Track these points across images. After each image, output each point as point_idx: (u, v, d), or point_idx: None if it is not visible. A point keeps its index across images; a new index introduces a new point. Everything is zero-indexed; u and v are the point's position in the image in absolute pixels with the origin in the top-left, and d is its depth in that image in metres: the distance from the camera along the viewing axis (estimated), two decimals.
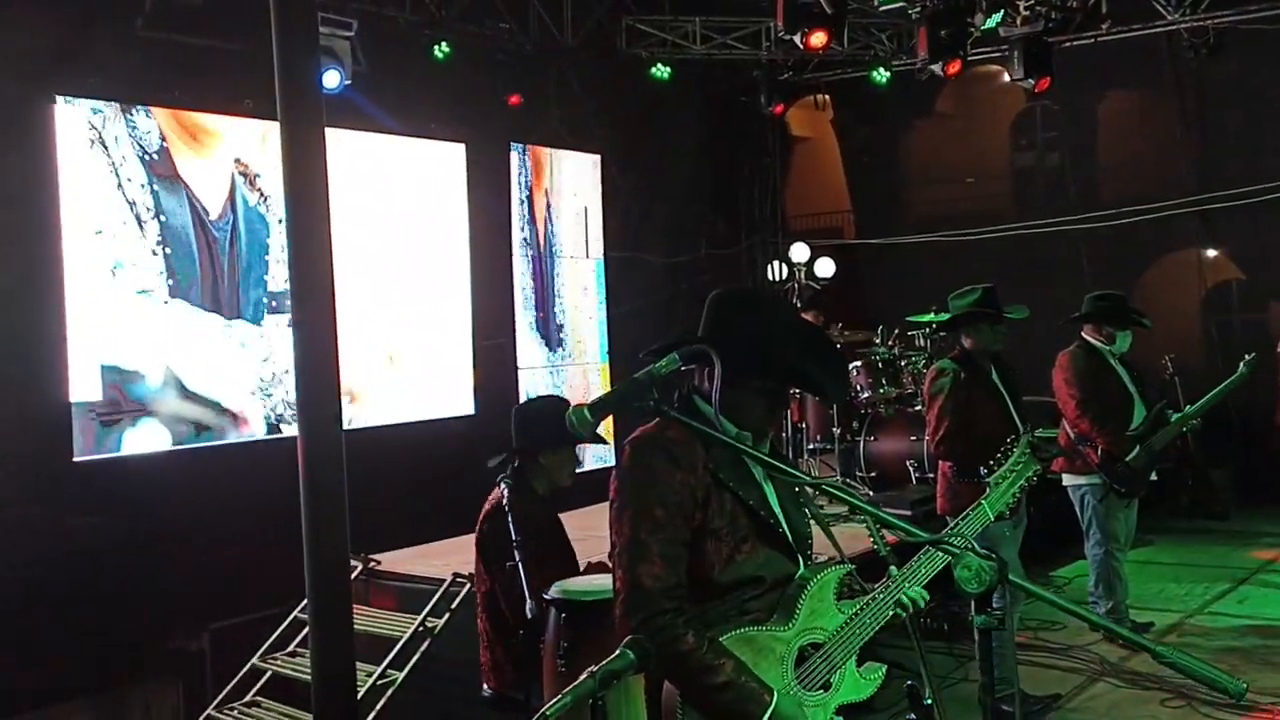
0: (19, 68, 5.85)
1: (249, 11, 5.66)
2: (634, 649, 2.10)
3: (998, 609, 2.15)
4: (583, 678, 2.03)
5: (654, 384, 2.25)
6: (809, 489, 2.78)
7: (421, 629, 5.39)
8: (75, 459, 6.07)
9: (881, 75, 9.38)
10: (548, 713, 1.94)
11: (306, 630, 5.11)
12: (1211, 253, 10.00)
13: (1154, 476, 5.82)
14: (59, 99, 6.06)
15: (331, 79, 6.54)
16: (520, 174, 8.69)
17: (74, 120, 6.11)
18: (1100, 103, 10.38)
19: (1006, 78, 10.22)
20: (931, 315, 8.25)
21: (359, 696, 4.81)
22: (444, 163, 8.06)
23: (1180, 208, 9.15)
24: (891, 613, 2.56)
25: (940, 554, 2.60)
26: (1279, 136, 9.00)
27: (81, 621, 5.71)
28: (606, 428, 8.71)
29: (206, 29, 6.46)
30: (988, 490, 3.03)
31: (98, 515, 5.99)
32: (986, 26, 7.32)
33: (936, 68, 7.70)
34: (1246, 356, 6.07)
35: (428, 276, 7.92)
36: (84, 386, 6.10)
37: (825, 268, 9.78)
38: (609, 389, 2.22)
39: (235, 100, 6.70)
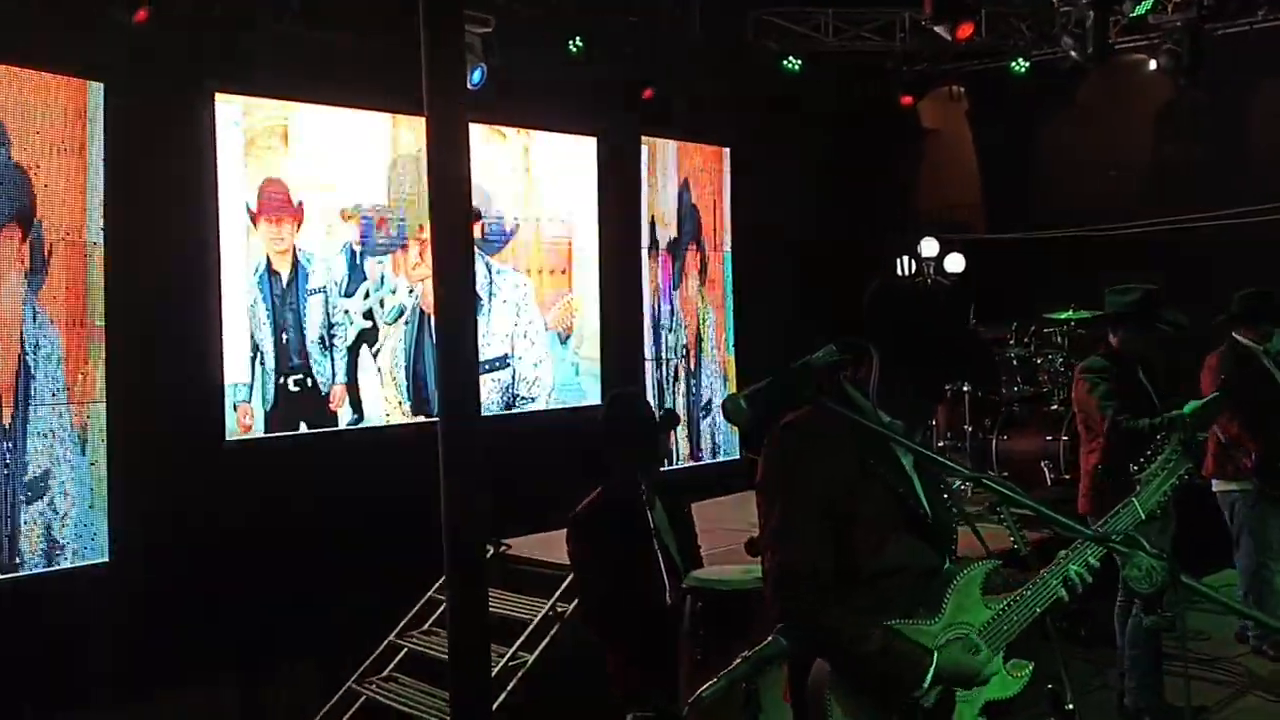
0: (180, 65, 6.14)
1: (394, 8, 5.86)
2: (786, 636, 2.13)
3: (1168, 611, 2.08)
4: (736, 663, 2.07)
5: (811, 374, 2.26)
6: (955, 484, 2.76)
7: (552, 613, 5.51)
8: (225, 440, 6.36)
9: (1021, 66, 9.14)
10: (703, 694, 1.98)
11: (442, 609, 5.28)
12: None
13: None
14: (217, 95, 6.35)
15: (473, 75, 6.70)
16: (650, 167, 8.75)
17: (230, 115, 6.40)
18: (1253, 93, 9.89)
19: (1153, 65, 9.86)
20: (1070, 313, 8.01)
21: (491, 675, 4.94)
22: (577, 156, 8.17)
23: None
24: (1040, 609, 2.52)
25: (1089, 552, 2.55)
26: None
27: (226, 597, 5.97)
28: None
29: (352, 25, 6.66)
30: (1138, 488, 2.93)
31: (244, 495, 6.26)
32: (1136, 14, 7.07)
33: (1077, 55, 7.49)
34: None
35: (559, 267, 8.05)
36: (236, 369, 6.38)
37: (955, 263, 9.57)
38: (765, 379, 2.23)
39: (380, 96, 6.91)
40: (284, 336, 6.63)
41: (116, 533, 5.94)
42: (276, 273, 6.63)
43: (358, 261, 6.96)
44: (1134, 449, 4.80)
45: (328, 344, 6.84)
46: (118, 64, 5.93)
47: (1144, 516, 2.85)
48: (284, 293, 6.65)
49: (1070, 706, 3.35)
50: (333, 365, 6.83)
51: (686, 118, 8.83)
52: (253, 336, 6.49)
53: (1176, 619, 2.05)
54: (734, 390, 9.12)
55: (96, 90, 5.90)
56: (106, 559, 5.92)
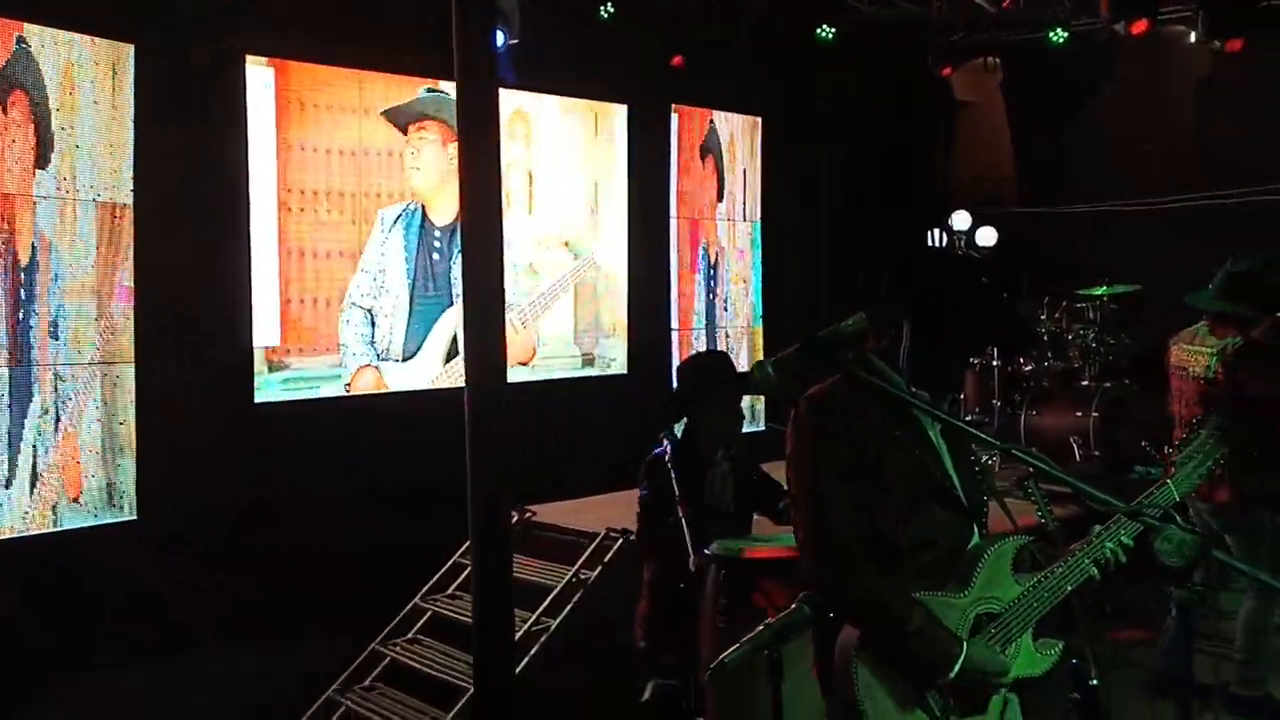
0: (210, 28, 6.13)
1: None
2: (810, 604, 2.12)
3: (1199, 584, 2.06)
4: (759, 629, 2.06)
5: (840, 342, 2.24)
6: (986, 459, 2.73)
7: (575, 580, 5.53)
8: (255, 402, 6.40)
9: (1059, 36, 8.97)
10: (726, 661, 1.97)
11: (467, 573, 5.31)
12: None
13: None
14: (248, 58, 6.34)
15: (498, 39, 6.64)
16: (681, 135, 8.69)
17: (260, 79, 6.39)
18: None
19: (1193, 37, 9.66)
20: (1104, 289, 7.92)
21: (514, 640, 4.97)
22: (606, 123, 8.12)
23: None
24: (1070, 586, 2.50)
25: (1123, 530, 2.52)
26: None
27: (251, 558, 6.02)
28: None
29: None
30: (1173, 470, 2.90)
31: (272, 457, 6.31)
32: None
33: (1119, 27, 7.34)
34: None
35: (587, 236, 8.02)
36: (265, 332, 6.41)
37: (987, 236, 9.48)
38: (793, 345, 2.21)
39: (404, 60, 6.87)
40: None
41: (144, 492, 6.00)
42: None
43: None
44: None
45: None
46: (148, 25, 5.93)
47: (1178, 498, 2.82)
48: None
49: (1095, 683, 3.33)
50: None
51: (718, 86, 8.75)
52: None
53: (1209, 595, 2.02)
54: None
55: (127, 51, 5.91)
56: (134, 517, 5.98)
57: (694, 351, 4.74)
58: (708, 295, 8.95)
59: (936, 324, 2.46)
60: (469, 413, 4.49)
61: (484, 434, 4.53)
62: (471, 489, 4.51)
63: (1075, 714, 3.33)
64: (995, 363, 7.67)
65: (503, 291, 4.72)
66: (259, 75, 6.39)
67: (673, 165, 8.61)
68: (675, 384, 4.21)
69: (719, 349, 8.35)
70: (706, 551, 3.63)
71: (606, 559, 5.55)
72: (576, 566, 5.58)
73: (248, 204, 6.34)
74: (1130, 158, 10.32)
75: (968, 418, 7.73)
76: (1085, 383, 7.61)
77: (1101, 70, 10.27)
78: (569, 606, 5.44)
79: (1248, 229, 8.82)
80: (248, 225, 6.34)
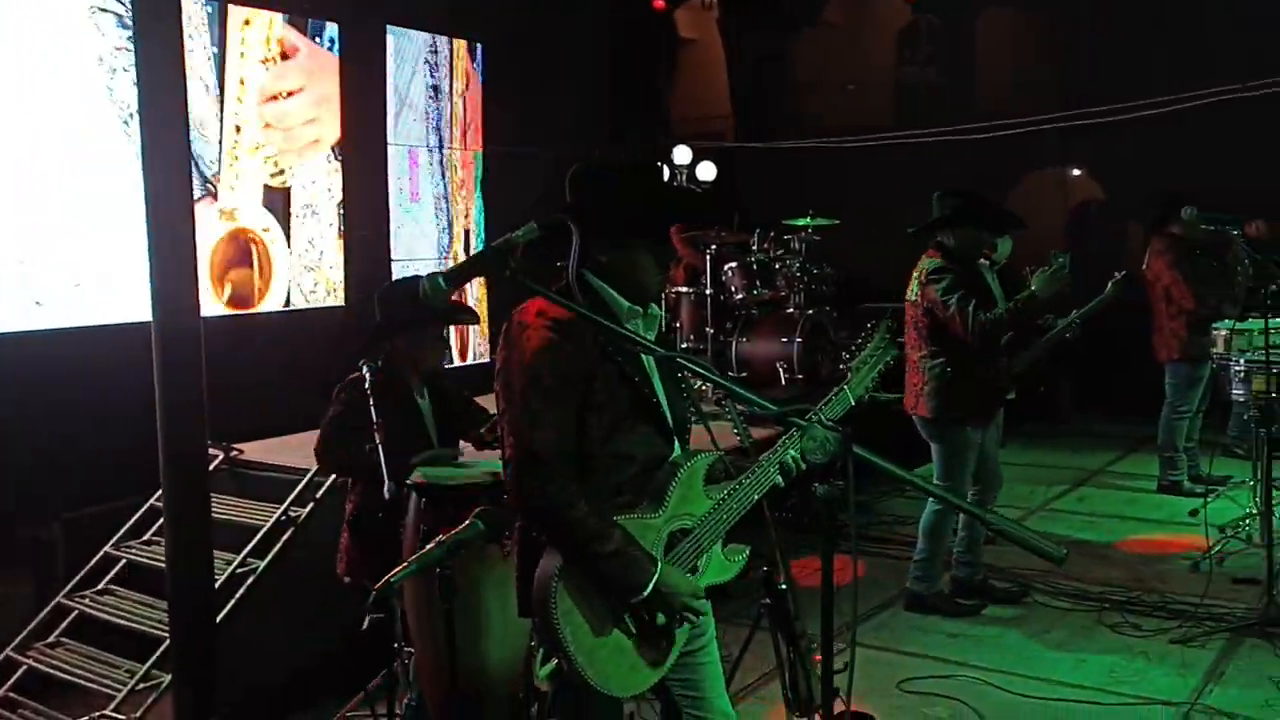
0: None
1: None
2: (484, 519, 2.11)
3: (839, 482, 2.20)
4: (429, 546, 2.02)
5: (510, 252, 2.23)
6: (696, 383, 2.81)
7: (285, 518, 5.34)
8: None
9: None
10: (392, 580, 1.93)
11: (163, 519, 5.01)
12: (1075, 171, 10.34)
13: (1011, 395, 5.85)
14: None
15: None
16: (398, 58, 8.38)
17: None
18: (981, 17, 10.53)
19: None
20: (807, 220, 8.33)
21: (217, 585, 4.75)
22: (315, 42, 7.71)
23: (1049, 123, 9.38)
24: (757, 495, 2.62)
25: (803, 439, 2.66)
26: (1152, 56, 9.24)
27: None
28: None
29: None
30: (849, 375, 3.06)
31: None
32: None
33: None
34: (1116, 275, 6.22)
35: (296, 162, 7.62)
36: None
37: (707, 171, 9.78)
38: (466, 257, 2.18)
39: None
40: None
41: None
42: None
43: None
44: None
45: None
46: None
47: (854, 402, 2.99)
48: None
49: (783, 586, 3.55)
50: None
51: (437, 8, 8.49)
52: None
53: (848, 490, 2.18)
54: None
55: None
56: None
57: (392, 279, 4.63)
58: (430, 227, 8.75)
59: (610, 227, 2.50)
60: (156, 346, 4.21)
61: (173, 368, 4.27)
62: (161, 427, 4.25)
63: (765, 617, 3.55)
64: (708, 292, 7.94)
65: (192, 218, 4.42)
66: None
67: (389, 90, 8.30)
68: (377, 311, 4.11)
69: (417, 275, 8.16)
70: (409, 481, 3.58)
71: (318, 495, 5.38)
72: (286, 504, 5.38)
73: None
74: (836, 98, 10.94)
75: (684, 345, 8.00)
76: (790, 310, 8.02)
77: (811, 14, 10.79)
78: (278, 546, 5.24)
79: (938, 167, 9.57)
80: None
